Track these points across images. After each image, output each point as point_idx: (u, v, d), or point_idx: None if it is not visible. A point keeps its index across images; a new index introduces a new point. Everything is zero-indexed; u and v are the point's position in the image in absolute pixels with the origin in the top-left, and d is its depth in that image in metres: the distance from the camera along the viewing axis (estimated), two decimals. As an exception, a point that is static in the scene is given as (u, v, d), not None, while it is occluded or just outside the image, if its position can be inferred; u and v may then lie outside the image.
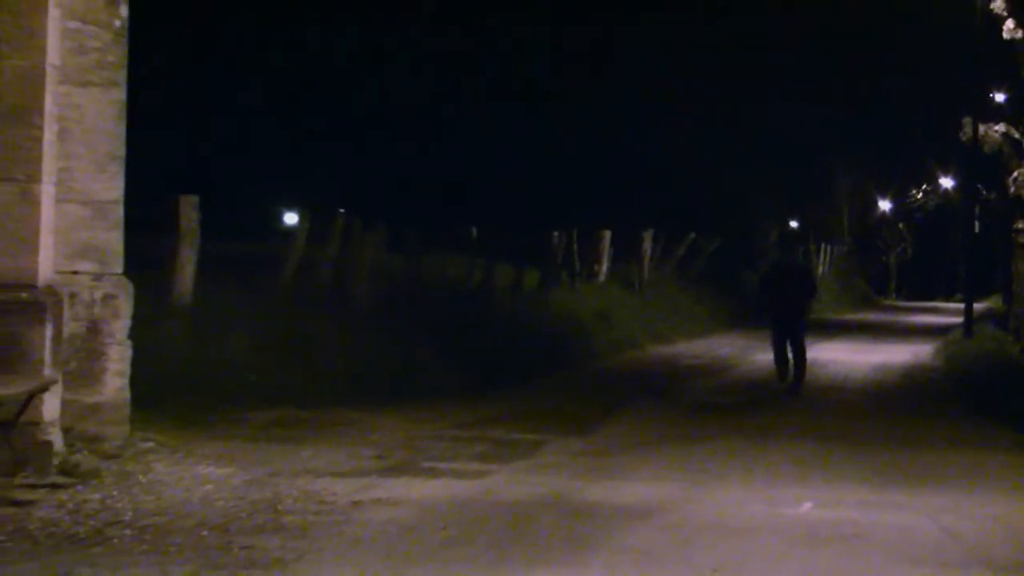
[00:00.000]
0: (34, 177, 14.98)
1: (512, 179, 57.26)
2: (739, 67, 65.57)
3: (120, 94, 17.02)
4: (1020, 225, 39.61)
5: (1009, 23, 33.68)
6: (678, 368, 31.80)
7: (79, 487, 14.23)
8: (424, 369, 25.00)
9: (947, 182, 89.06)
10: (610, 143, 60.75)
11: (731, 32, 64.28)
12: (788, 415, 23.29)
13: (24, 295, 14.91)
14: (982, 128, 40.34)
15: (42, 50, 15.04)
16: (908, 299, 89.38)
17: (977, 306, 48.72)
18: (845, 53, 73.14)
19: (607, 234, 45.06)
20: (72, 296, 16.30)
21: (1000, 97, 43.45)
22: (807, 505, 14.98)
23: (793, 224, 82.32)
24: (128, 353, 17.09)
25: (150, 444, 17.00)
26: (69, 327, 16.09)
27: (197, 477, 15.31)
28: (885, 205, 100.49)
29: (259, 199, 52.44)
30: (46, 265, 15.24)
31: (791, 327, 27.41)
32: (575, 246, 42.26)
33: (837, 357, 37.34)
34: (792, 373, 27.42)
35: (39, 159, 15.01)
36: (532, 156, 59.08)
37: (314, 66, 56.86)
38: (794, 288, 27.52)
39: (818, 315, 57.10)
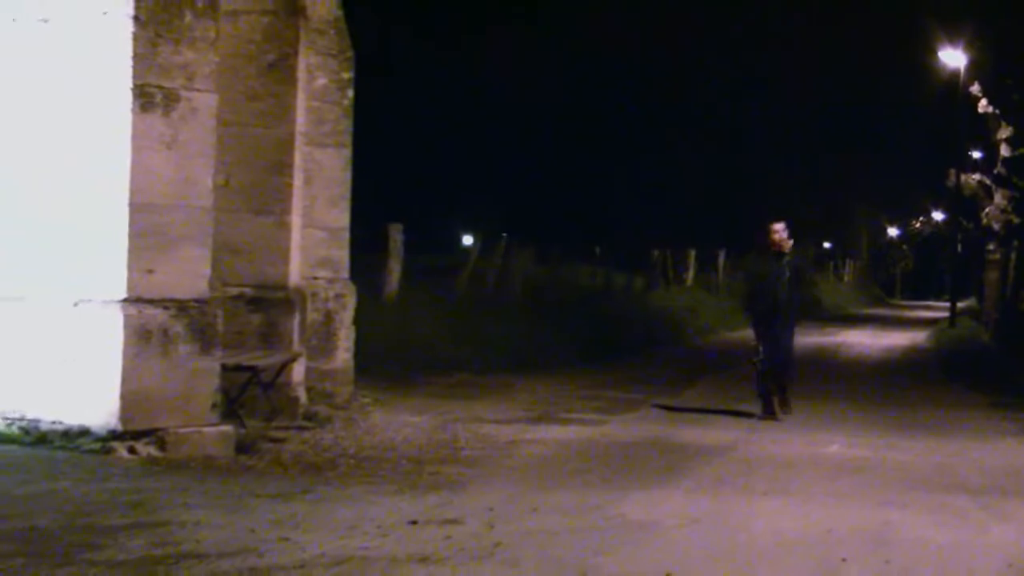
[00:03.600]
0: (286, 211, 15.11)
1: (625, 213, 57.35)
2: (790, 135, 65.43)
3: (348, 152, 17.14)
4: (990, 247, 39.20)
5: (983, 101, 33.44)
6: (744, 348, 31.55)
7: (317, 430, 14.34)
8: (560, 348, 24.98)
9: (938, 215, 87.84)
10: (695, 191, 60.76)
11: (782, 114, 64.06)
12: (823, 383, 23.06)
13: (280, 294, 15.05)
14: (963, 177, 39.92)
15: (293, 122, 15.17)
16: (908, 300, 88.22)
17: (959, 305, 48.10)
18: (864, 121, 72.82)
19: (692, 251, 45.07)
20: (313, 294, 16.44)
21: (976, 154, 42.92)
22: (835, 446, 14.86)
23: (826, 244, 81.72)
24: (352, 334, 17.21)
25: (368, 399, 17.10)
26: (311, 316, 16.23)
27: (400, 423, 15.36)
28: (893, 231, 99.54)
29: (445, 225, 52.68)
30: (295, 272, 15.38)
31: (780, 338, 17.41)
32: (670, 260, 42.22)
33: (858, 341, 37.04)
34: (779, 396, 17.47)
35: (290, 198, 15.14)
36: (639, 198, 59.18)
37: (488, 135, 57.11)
38: (784, 294, 17.36)
39: (842, 310, 56.63)
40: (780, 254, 17.47)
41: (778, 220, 17.77)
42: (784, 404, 17.51)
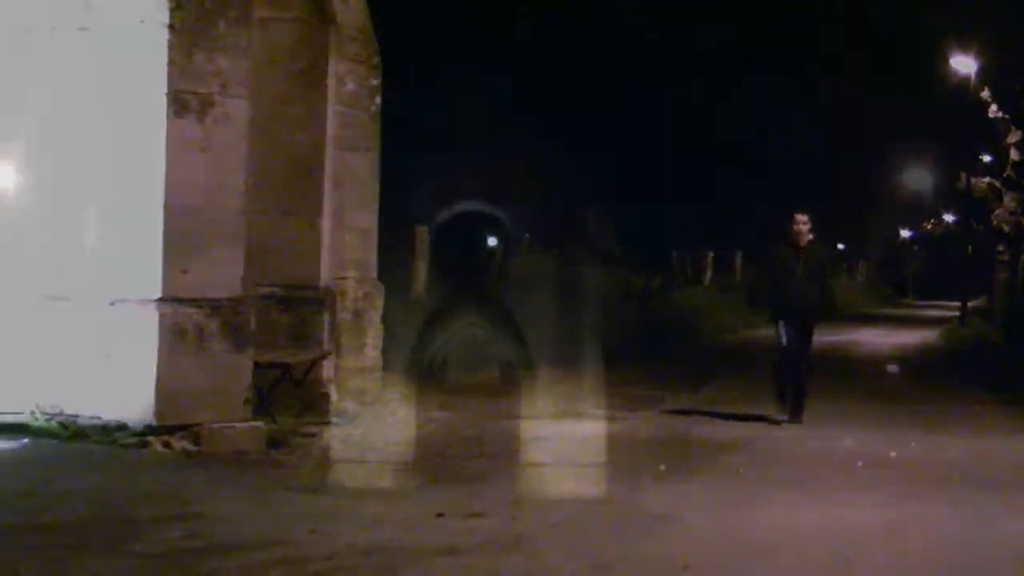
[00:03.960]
0: (317, 213, 15.14)
1: (644, 215, 57.36)
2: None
3: (375, 156, 17.14)
4: (1000, 248, 39.11)
5: (993, 107, 33.37)
6: (759, 347, 31.50)
7: (347, 425, 14.36)
8: (581, 346, 24.92)
9: (949, 217, 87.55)
10: (714, 201, 60.78)
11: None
12: (835, 381, 22.96)
13: (310, 293, 15.08)
14: (973, 180, 39.82)
15: (323, 128, 15.20)
16: (920, 299, 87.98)
17: (970, 304, 47.97)
18: (875, 124, 72.70)
19: (710, 253, 45.07)
20: (342, 294, 16.45)
21: (987, 158, 42.81)
22: (847, 442, 14.81)
23: (840, 246, 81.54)
24: (381, 333, 17.22)
25: (395, 396, 17.09)
26: (340, 315, 16.25)
27: (427, 419, 15.38)
28: (905, 233, 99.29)
29: (470, 227, 52.71)
30: (325, 272, 15.40)
31: (802, 338, 16.60)
32: (688, 261, 42.23)
33: (870, 339, 36.93)
34: (791, 401, 16.42)
35: (320, 201, 15.17)
36: (657, 203, 59.16)
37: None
38: (808, 286, 16.39)
39: (855, 309, 56.50)
40: (796, 247, 16.28)
41: (801, 211, 16.44)
42: (795, 411, 16.29)
